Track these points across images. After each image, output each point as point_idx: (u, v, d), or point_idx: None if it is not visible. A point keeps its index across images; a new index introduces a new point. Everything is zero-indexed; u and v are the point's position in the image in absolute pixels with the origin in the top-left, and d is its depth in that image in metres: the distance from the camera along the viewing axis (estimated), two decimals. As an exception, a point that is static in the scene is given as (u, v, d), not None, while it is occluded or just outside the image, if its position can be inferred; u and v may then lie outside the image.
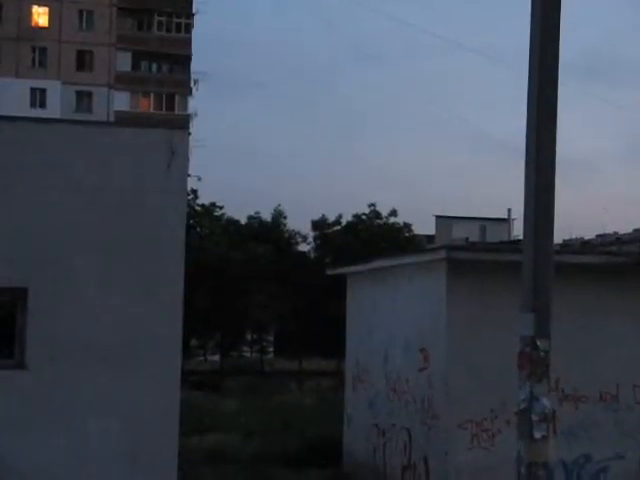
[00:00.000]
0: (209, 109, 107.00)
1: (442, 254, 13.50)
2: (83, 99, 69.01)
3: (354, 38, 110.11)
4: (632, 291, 13.90)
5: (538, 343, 8.33)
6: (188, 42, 71.94)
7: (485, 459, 13.12)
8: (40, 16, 69.54)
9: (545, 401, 8.28)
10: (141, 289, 11.16)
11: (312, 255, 51.97)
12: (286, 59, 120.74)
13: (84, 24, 69.90)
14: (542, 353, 8.33)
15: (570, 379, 13.32)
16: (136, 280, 11.18)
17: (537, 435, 8.19)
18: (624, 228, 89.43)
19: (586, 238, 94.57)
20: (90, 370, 10.97)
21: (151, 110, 69.61)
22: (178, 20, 71.57)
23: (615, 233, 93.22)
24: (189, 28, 72.07)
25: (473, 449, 13.17)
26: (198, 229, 50.00)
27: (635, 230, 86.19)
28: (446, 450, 13.21)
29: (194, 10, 71.80)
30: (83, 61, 69.72)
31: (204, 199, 51.72)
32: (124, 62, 70.65)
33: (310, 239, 52.49)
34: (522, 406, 8.31)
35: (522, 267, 8.65)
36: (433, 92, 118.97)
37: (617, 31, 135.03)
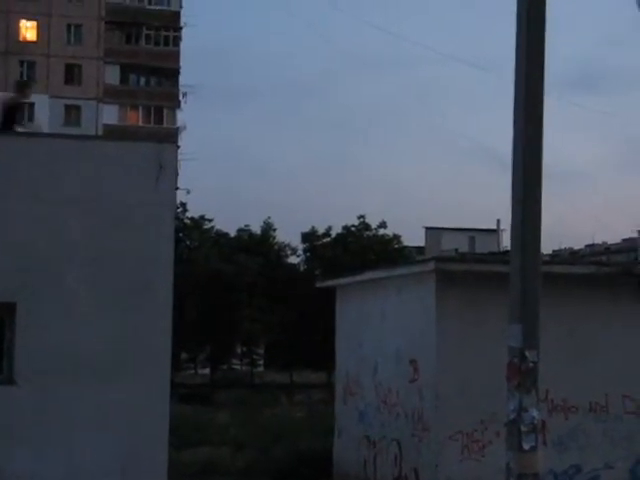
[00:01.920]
0: (200, 122, 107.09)
1: (431, 266, 13.53)
2: (72, 113, 68.90)
3: (345, 48, 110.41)
4: (621, 301, 13.95)
5: (526, 354, 8.35)
6: (176, 55, 71.95)
7: (475, 470, 13.12)
8: (28, 30, 69.47)
9: (534, 412, 8.28)
10: (130, 302, 11.15)
11: (302, 267, 52.00)
12: (277, 70, 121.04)
13: (72, 38, 69.85)
14: (530, 364, 8.34)
15: (559, 390, 13.34)
16: (125, 293, 11.17)
17: (526, 446, 8.20)
18: (613, 238, 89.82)
19: (575, 248, 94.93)
20: (79, 383, 10.94)
21: (140, 123, 69.55)
22: (166, 33, 71.58)
23: (604, 243, 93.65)
24: (177, 41, 72.08)
25: (463, 460, 13.18)
26: (187, 242, 49.98)
27: (624, 240, 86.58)
28: (436, 462, 13.21)
29: (182, 23, 71.87)
30: (72, 75, 69.65)
31: (194, 212, 51.80)
32: (113, 75, 70.61)
33: (300, 251, 52.56)
34: (511, 417, 8.32)
35: (510, 278, 8.67)
36: (424, 102, 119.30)
37: (605, 41, 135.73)
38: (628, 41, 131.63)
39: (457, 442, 13.16)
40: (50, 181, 11.12)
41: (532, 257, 8.57)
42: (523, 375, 8.30)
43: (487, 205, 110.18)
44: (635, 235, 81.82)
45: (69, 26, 69.72)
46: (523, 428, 8.21)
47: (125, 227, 11.22)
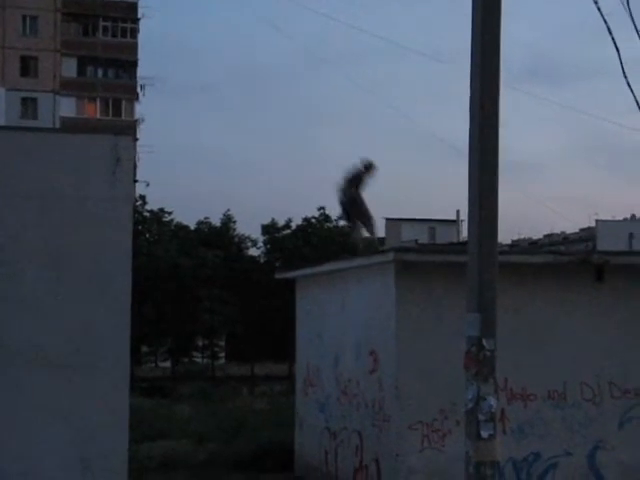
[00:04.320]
0: (159, 114, 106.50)
1: (390, 256, 13.56)
2: (28, 105, 68.26)
3: (302, 40, 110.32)
4: (578, 289, 14.07)
5: (484, 343, 8.39)
6: (134, 47, 71.51)
7: (436, 460, 13.19)
8: (-18, 22, 68.65)
9: (492, 400, 8.34)
10: (88, 296, 11.08)
11: (262, 259, 51.94)
12: (236, 62, 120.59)
13: (28, 30, 69.14)
14: (488, 352, 8.39)
15: (518, 378, 13.46)
16: (83, 287, 11.10)
17: (484, 434, 8.25)
18: (571, 228, 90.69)
19: (534, 238, 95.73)
20: (37, 377, 10.87)
21: (97, 116, 69.07)
22: (123, 25, 71.10)
23: (562, 233, 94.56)
24: (135, 33, 71.63)
25: (424, 450, 13.24)
26: (147, 235, 49.74)
27: (582, 230, 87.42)
28: (397, 452, 13.26)
29: (139, 15, 71.42)
30: (27, 67, 68.97)
31: (153, 205, 51.58)
32: (69, 68, 70.02)
33: (260, 243, 52.50)
34: (469, 406, 8.37)
35: (467, 268, 8.72)
36: (381, 94, 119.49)
37: (560, 32, 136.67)
38: (585, 32, 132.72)
39: (417, 432, 13.22)
40: (5, 174, 11.02)
41: (489, 247, 8.61)
42: (481, 364, 8.35)
43: (447, 196, 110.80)
44: (593, 225, 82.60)
45: (24, 17, 68.99)
46: (481, 416, 8.26)
47: (82, 220, 11.14)
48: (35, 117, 66.50)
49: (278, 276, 20.41)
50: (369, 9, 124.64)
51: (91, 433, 10.96)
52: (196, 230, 52.20)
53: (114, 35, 70.98)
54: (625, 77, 10.22)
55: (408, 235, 65.37)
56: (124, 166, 11.19)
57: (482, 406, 8.27)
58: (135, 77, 71.78)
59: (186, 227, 52.23)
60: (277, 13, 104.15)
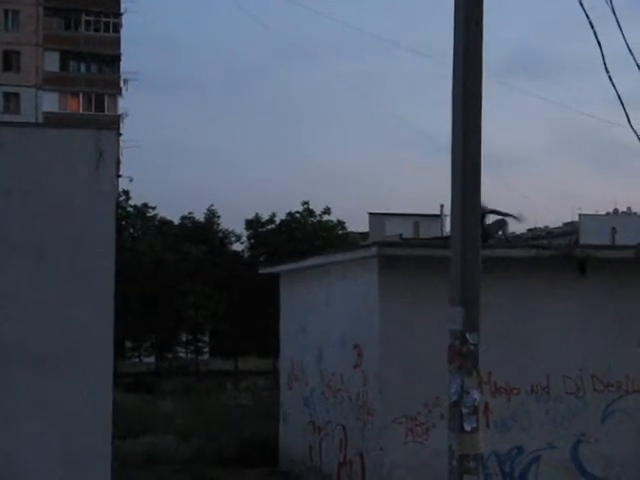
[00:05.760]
0: (142, 109, 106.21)
1: (374, 251, 13.58)
2: (10, 100, 67.92)
3: (288, 36, 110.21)
4: (561, 283, 14.13)
5: (467, 336, 8.41)
6: (117, 42, 71.19)
7: (420, 453, 13.23)
8: (-37, 16, 68.23)
9: (475, 394, 8.36)
10: (70, 291, 11.04)
11: (246, 254, 51.87)
12: (220, 58, 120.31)
13: (10, 24, 68.74)
14: (471, 346, 8.41)
15: (502, 372, 13.51)
16: (67, 282, 11.05)
17: (467, 427, 8.27)
18: (554, 222, 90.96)
19: (517, 232, 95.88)
20: (20, 373, 10.82)
21: (80, 111, 68.78)
22: (106, 19, 70.77)
23: (546, 227, 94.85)
24: (117, 27, 71.32)
25: (408, 444, 13.28)
26: (131, 230, 49.63)
27: (565, 224, 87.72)
28: (381, 445, 13.30)
29: (122, 9, 71.12)
30: (10, 61, 68.57)
31: (137, 200, 51.43)
32: (52, 62, 69.65)
33: (244, 238, 52.43)
34: (452, 399, 8.39)
35: (450, 262, 8.73)
36: (366, 89, 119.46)
37: (545, 26, 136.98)
38: (567, 26, 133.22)
39: (401, 426, 13.26)
40: (-12, 169, 10.96)
41: (472, 241, 8.63)
42: (464, 357, 8.37)
43: (431, 190, 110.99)
44: (576, 219, 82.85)
45: (6, 12, 68.58)
46: (464, 410, 8.28)
47: (65, 216, 11.09)
48: (18, 112, 66.15)
49: (262, 271, 20.40)
50: (355, 5, 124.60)
51: (75, 429, 10.92)
52: (180, 225, 52.10)
53: (97, 29, 70.64)
54: (607, 71, 10.24)
55: (392, 230, 65.32)
56: (107, 161, 11.14)
57: (466, 399, 8.30)
58: (118, 72, 71.47)
59: (170, 222, 52.09)
60: (264, 9, 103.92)
